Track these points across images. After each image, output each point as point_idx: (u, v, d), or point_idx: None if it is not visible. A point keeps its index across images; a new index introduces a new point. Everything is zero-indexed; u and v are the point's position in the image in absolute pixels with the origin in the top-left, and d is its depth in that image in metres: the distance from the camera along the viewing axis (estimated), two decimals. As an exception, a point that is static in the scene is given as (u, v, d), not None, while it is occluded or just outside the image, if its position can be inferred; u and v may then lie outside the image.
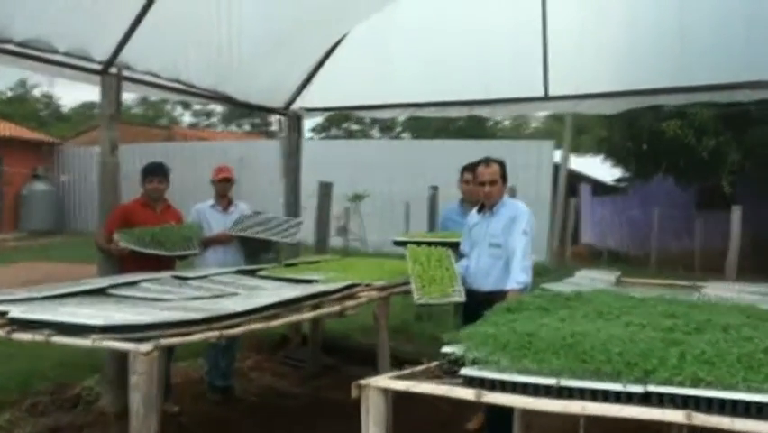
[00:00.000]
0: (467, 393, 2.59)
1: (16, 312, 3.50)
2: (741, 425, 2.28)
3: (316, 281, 5.54)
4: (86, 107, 48.54)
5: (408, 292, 5.12)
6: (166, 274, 5.51)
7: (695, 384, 2.43)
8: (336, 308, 4.50)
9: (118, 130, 6.06)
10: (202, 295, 4.75)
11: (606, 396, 2.46)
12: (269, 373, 7.58)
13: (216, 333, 3.49)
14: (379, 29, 7.76)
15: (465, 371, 2.65)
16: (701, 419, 2.32)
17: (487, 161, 5.34)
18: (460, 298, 4.91)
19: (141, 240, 5.69)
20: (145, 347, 3.02)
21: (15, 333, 3.41)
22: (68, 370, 6.47)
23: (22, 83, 44.67)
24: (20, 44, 5.39)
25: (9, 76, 43.17)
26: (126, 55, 6.13)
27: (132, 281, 5.09)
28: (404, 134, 45.69)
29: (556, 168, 18.43)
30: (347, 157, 18.98)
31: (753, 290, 5.38)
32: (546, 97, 7.44)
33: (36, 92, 46.27)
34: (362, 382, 2.65)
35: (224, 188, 6.84)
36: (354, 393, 2.73)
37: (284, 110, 8.58)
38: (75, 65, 5.85)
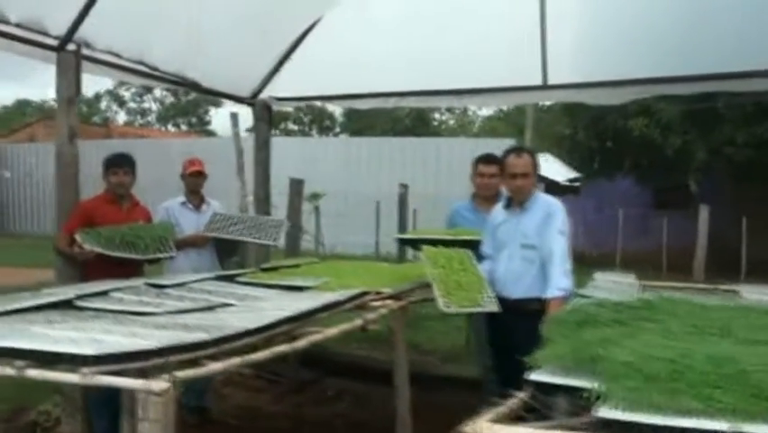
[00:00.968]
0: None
1: None
2: None
3: (308, 288, 4.92)
4: (21, 105, 46.68)
5: (428, 300, 4.49)
6: (138, 282, 4.77)
7: None
8: (359, 322, 3.82)
9: (77, 116, 5.27)
10: (188, 307, 4.04)
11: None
12: (242, 388, 6.85)
13: (237, 359, 2.79)
14: (357, 13, 7.10)
15: (609, 413, 2.01)
16: None
17: (518, 151, 4.75)
18: (493, 306, 4.30)
19: (109, 241, 4.93)
20: (159, 385, 2.30)
21: (-25, 363, 2.64)
22: (27, 390, 5.59)
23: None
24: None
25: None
26: (85, 31, 5.36)
27: (101, 291, 4.35)
28: (342, 135, 45.07)
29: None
30: (298, 155, 18.23)
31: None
32: (545, 86, 6.89)
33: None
34: (469, 429, 1.98)
35: (195, 184, 6.12)
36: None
37: (251, 99, 7.83)
38: (28, 39, 5.05)
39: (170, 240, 5.26)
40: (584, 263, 17.23)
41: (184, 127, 53.34)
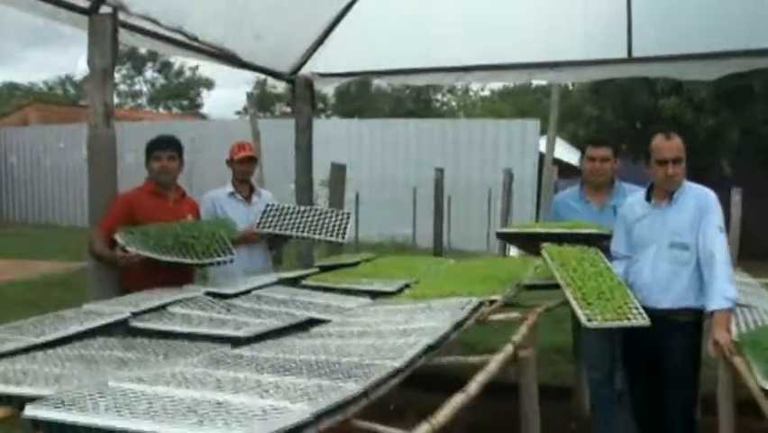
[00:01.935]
0: None
1: (37, 410, 1.88)
2: None
3: (391, 294, 4.26)
4: (9, 88, 45.34)
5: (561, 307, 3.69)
6: (194, 290, 3.95)
7: None
8: (509, 347, 2.97)
9: (113, 92, 4.41)
10: (274, 326, 3.24)
11: None
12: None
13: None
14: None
15: None
16: None
17: (666, 133, 3.89)
18: (644, 320, 3.47)
19: (160, 243, 4.05)
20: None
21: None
22: None
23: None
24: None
25: None
26: (120, -8, 4.49)
27: (157, 306, 3.51)
28: (333, 117, 43.97)
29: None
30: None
31: None
32: (630, 59, 6.04)
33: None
34: None
35: (245, 171, 5.27)
36: None
37: (291, 75, 6.95)
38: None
39: (229, 240, 4.39)
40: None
41: (176, 110, 52.13)
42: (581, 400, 5.45)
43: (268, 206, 5.16)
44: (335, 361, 2.41)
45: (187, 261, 4.12)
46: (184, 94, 52.89)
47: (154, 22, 5.00)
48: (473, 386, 2.37)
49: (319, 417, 1.83)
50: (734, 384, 3.46)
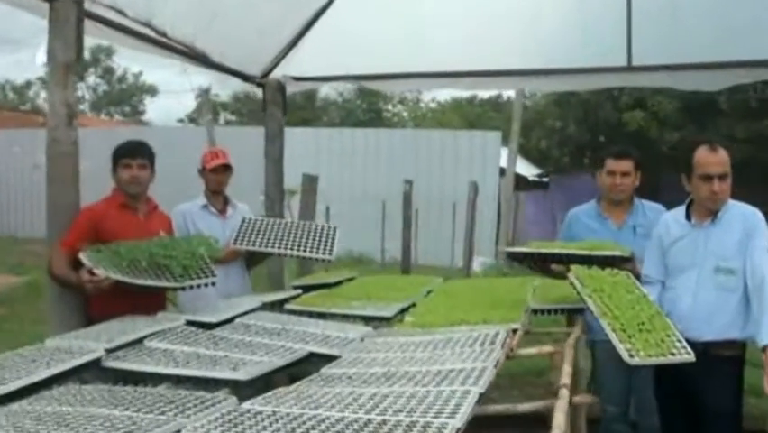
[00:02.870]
0: None
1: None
2: None
3: (387, 319, 3.88)
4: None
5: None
6: (173, 319, 3.43)
7: None
8: (564, 392, 2.53)
9: (76, 90, 3.87)
10: (275, 364, 2.76)
11: None
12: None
13: None
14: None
15: None
16: None
17: (713, 145, 3.51)
18: (689, 355, 3.06)
19: (133, 265, 3.51)
20: None
21: None
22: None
23: None
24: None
25: None
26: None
27: (132, 340, 3.00)
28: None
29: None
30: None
31: None
32: (629, 67, 5.70)
33: None
34: None
35: (220, 181, 4.78)
36: None
37: (262, 78, 6.45)
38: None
39: (210, 259, 3.86)
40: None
41: (118, 117, 50.86)
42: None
43: (244, 219, 4.67)
44: (380, 421, 1.94)
45: (164, 284, 3.59)
46: (127, 100, 51.72)
47: (121, 13, 4.47)
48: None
49: None
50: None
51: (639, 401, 4.25)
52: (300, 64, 6.39)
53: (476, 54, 5.92)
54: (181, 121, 45.38)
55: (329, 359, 3.04)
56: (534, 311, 4.02)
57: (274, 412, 2.05)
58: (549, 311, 4.13)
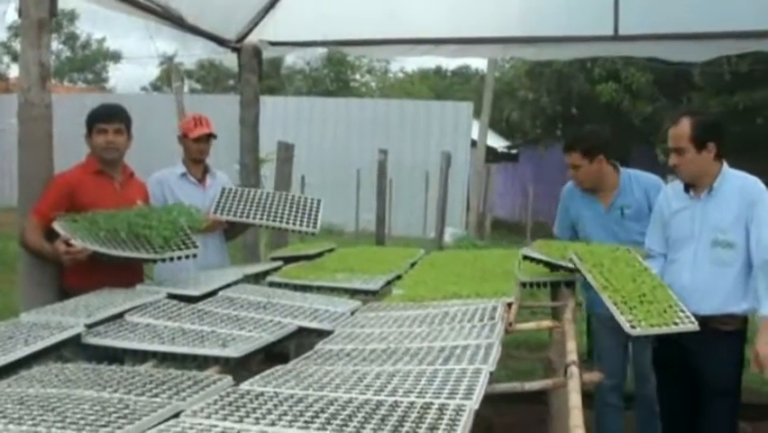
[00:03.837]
0: None
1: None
2: None
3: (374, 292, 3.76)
4: None
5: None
6: (153, 292, 3.28)
7: None
8: (573, 370, 2.43)
9: (50, 49, 3.65)
10: (264, 339, 2.63)
11: None
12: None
13: None
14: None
15: None
16: None
17: (675, 118, 3.54)
18: (692, 324, 2.98)
19: (112, 236, 3.34)
20: None
21: None
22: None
23: None
24: None
25: None
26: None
27: (113, 315, 2.85)
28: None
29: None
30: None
31: None
32: (616, 37, 5.57)
33: None
34: None
35: (202, 150, 4.57)
36: None
37: (237, 43, 6.23)
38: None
39: (190, 229, 3.70)
40: (522, 234, 16.44)
41: (81, 84, 49.76)
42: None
43: (224, 189, 4.49)
44: (392, 403, 1.82)
45: (144, 256, 3.43)
46: (90, 67, 50.63)
47: (93, -30, 4.24)
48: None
49: None
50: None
51: (637, 369, 4.20)
52: (276, 28, 6.19)
53: (459, 21, 5.77)
54: (145, 89, 44.54)
55: (319, 334, 2.94)
56: (524, 284, 3.92)
57: (276, 394, 1.92)
58: (539, 284, 4.05)
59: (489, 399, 1.99)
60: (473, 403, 1.83)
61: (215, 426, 1.67)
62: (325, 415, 1.72)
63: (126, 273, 3.53)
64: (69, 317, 2.73)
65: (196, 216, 3.75)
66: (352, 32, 6.11)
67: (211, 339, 2.60)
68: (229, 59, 6.56)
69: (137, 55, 62.73)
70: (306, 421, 1.68)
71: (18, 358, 2.24)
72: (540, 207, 18.68)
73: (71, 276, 3.48)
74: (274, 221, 4.33)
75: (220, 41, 6.22)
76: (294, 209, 4.42)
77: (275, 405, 1.81)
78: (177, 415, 1.78)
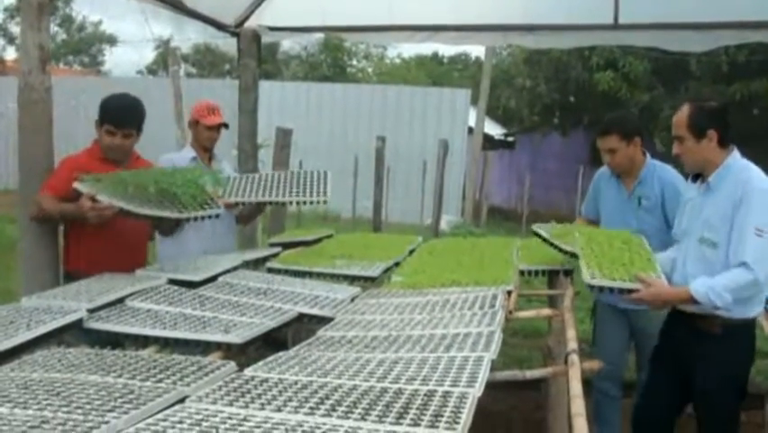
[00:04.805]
0: None
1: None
2: None
3: (372, 279, 3.79)
4: None
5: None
6: (154, 277, 3.28)
7: None
8: (574, 358, 2.44)
9: (49, 31, 3.64)
10: (265, 325, 2.65)
11: None
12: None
13: None
14: None
15: None
16: None
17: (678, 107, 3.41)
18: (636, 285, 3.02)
19: (139, 193, 3.31)
20: None
21: None
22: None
23: None
24: None
25: None
26: None
27: (114, 299, 2.85)
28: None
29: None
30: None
31: None
32: (616, 26, 5.57)
33: None
34: None
35: (214, 139, 4.56)
36: None
37: (236, 28, 6.22)
38: None
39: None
40: (518, 222, 16.43)
41: (76, 66, 49.52)
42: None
43: (231, 178, 4.41)
44: (396, 390, 1.83)
45: (173, 214, 3.38)
46: (86, 50, 50.37)
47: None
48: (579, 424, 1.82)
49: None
50: None
51: (640, 360, 4.19)
52: (275, 13, 6.18)
53: (458, 8, 5.78)
54: (141, 73, 44.32)
55: (320, 320, 2.95)
56: (522, 272, 3.94)
57: (281, 380, 1.93)
58: (536, 273, 4.08)
59: (485, 386, 2.00)
60: (476, 391, 1.84)
61: (221, 411, 1.69)
62: (330, 401, 1.74)
63: (128, 257, 3.53)
64: (71, 302, 2.73)
65: (218, 178, 3.78)
66: (350, 17, 6.10)
67: (213, 325, 2.61)
68: (226, 44, 6.55)
69: (133, 39, 62.42)
70: (311, 407, 1.69)
71: (21, 343, 2.24)
72: (536, 196, 18.73)
73: (73, 260, 3.48)
74: (284, 196, 4.18)
75: (219, 26, 6.22)
76: (302, 183, 4.26)
77: (279, 391, 1.82)
78: (182, 400, 1.79)
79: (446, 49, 43.64)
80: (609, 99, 14.20)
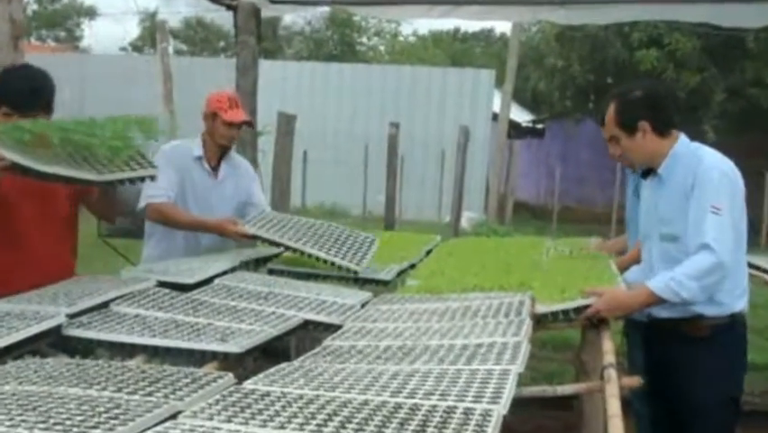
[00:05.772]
0: None
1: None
2: None
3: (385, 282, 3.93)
4: None
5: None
6: (143, 281, 3.30)
7: None
8: (611, 373, 2.47)
9: (22, 5, 3.68)
10: (269, 333, 2.69)
11: None
12: None
13: None
14: None
15: None
16: None
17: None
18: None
19: (40, 143, 2.92)
20: None
21: None
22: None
23: None
24: None
25: None
26: None
27: (97, 304, 2.88)
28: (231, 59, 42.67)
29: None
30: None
31: None
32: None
33: None
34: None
35: (232, 138, 4.37)
36: None
37: (232, 0, 6.27)
38: None
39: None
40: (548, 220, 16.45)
41: (51, 42, 49.77)
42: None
43: (264, 213, 4.31)
44: (411, 406, 1.86)
45: (86, 175, 2.99)
46: (61, 23, 50.59)
47: None
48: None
49: None
50: None
51: None
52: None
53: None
54: (124, 49, 44.49)
55: (326, 328, 2.98)
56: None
57: (284, 394, 1.96)
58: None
59: (511, 403, 2.02)
60: (501, 408, 1.86)
61: (218, 428, 1.71)
62: (339, 418, 1.76)
63: (51, 266, 3.36)
64: (48, 306, 2.76)
65: (150, 123, 3.25)
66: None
67: (208, 332, 2.64)
68: (221, 18, 6.60)
69: (115, 11, 62.63)
70: (318, 424, 1.72)
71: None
72: (568, 190, 18.71)
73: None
74: (312, 248, 3.94)
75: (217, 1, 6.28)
76: (340, 242, 4.09)
77: (283, 406, 1.85)
78: (174, 416, 1.82)
79: (468, 24, 43.63)
80: (653, 81, 14.20)
